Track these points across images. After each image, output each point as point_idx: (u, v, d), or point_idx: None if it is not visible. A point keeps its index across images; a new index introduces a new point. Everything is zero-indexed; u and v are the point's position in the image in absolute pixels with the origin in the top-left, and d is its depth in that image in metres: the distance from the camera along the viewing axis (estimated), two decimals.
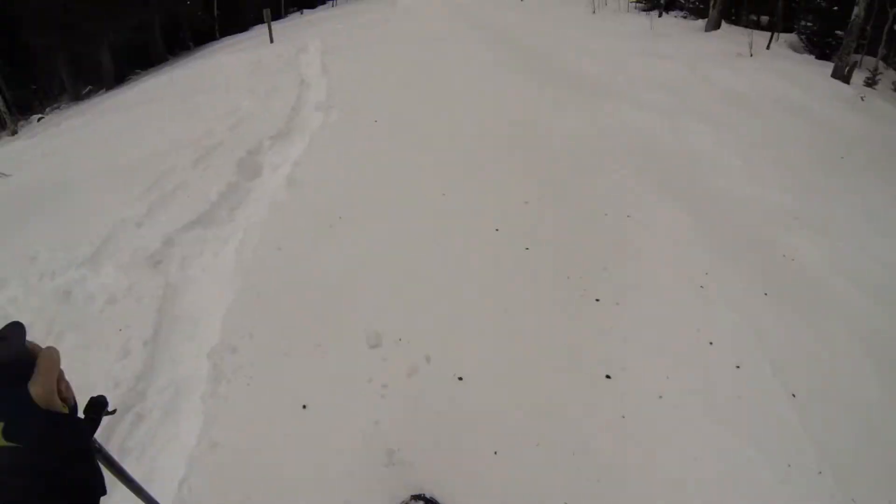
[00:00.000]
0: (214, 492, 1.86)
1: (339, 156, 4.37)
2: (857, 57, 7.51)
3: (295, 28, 13.25)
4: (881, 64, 7.55)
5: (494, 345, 2.39)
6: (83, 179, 4.56)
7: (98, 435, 0.72)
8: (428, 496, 1.80)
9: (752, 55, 6.83)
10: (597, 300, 2.65)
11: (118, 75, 9.38)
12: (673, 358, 2.35)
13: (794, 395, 2.20)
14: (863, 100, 6.08)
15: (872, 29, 7.95)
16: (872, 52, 8.03)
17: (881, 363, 2.45)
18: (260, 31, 14.22)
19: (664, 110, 5.08)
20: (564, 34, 8.00)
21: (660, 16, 10.94)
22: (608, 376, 2.25)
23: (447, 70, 6.32)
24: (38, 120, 7.93)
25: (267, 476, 1.92)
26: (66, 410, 0.58)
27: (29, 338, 0.59)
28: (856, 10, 6.84)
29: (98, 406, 0.70)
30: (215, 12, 20.28)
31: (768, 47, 7.08)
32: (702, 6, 8.94)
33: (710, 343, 2.42)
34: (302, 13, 20.92)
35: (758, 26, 8.21)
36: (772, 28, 7.44)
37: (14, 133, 7.58)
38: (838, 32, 7.49)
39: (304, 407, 2.12)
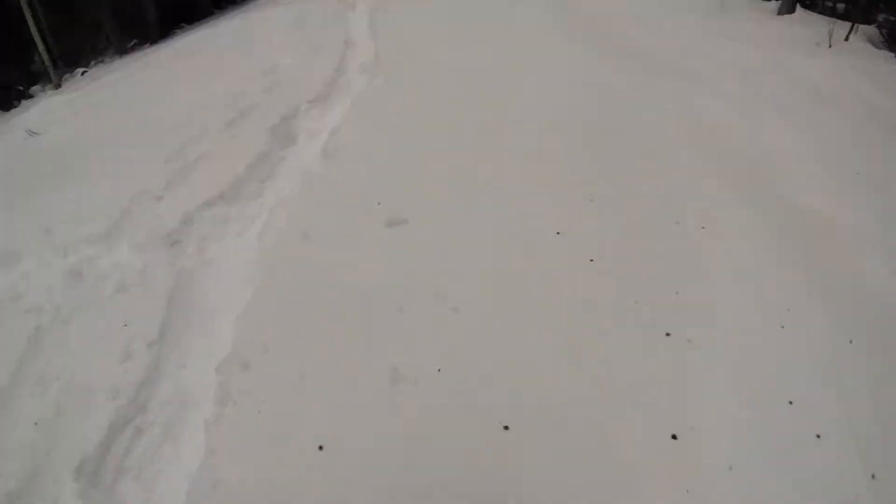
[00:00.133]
0: None
1: (382, 127, 3.90)
2: None
3: None
4: None
5: (552, 388, 1.95)
6: (109, 141, 4.30)
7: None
8: None
9: (830, 45, 5.79)
10: (667, 334, 2.14)
11: (164, 30, 9.12)
12: (748, 418, 1.86)
13: (873, 476, 1.69)
14: None
15: None
16: None
17: None
18: None
19: (741, 100, 4.27)
20: (630, 2, 7.09)
21: None
22: (674, 436, 1.80)
23: (510, 39, 5.61)
24: (82, 74, 7.78)
25: None
26: None
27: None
28: None
29: None
30: None
31: (847, 38, 6.01)
32: None
33: (790, 402, 1.90)
34: None
35: (833, 13, 7.07)
36: (850, 17, 6.30)
37: (58, 87, 7.46)
38: None
39: (321, 448, 1.75)
